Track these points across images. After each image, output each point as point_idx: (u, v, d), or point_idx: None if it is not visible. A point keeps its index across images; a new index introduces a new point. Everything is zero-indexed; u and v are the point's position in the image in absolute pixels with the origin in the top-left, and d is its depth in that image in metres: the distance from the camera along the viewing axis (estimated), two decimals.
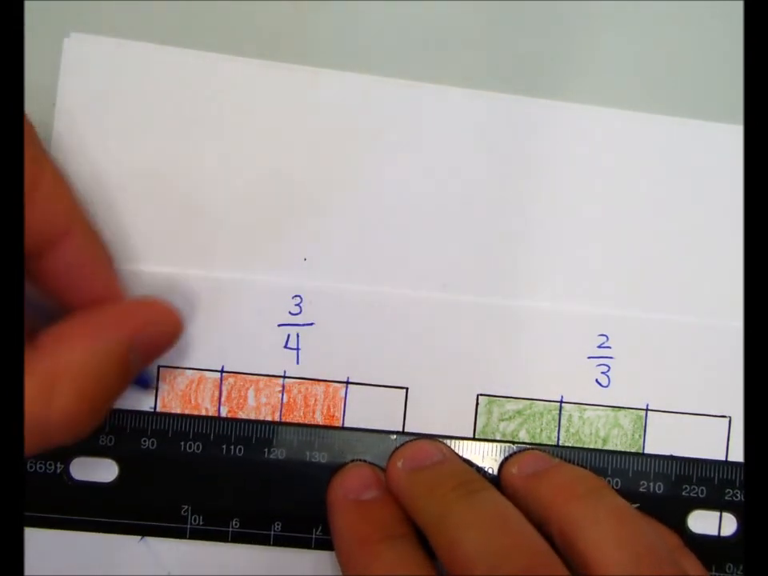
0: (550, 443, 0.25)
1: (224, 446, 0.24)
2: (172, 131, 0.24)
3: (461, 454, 0.25)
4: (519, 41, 0.26)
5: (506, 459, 0.25)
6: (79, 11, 0.24)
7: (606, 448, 0.25)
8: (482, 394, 0.25)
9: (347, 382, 0.25)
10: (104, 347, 0.18)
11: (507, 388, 0.25)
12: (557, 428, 0.25)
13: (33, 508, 0.23)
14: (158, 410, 0.24)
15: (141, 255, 0.24)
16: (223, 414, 0.25)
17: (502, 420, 0.25)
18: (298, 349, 0.25)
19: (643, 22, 0.26)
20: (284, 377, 0.25)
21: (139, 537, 0.24)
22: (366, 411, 0.25)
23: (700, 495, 0.25)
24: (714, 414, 0.25)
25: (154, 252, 0.24)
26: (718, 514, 0.25)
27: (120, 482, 0.24)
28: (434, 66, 0.25)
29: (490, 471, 0.25)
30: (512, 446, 0.25)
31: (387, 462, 0.24)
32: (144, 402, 0.24)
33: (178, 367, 0.24)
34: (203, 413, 0.24)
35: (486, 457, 0.25)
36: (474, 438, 0.25)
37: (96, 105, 0.24)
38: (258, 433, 0.24)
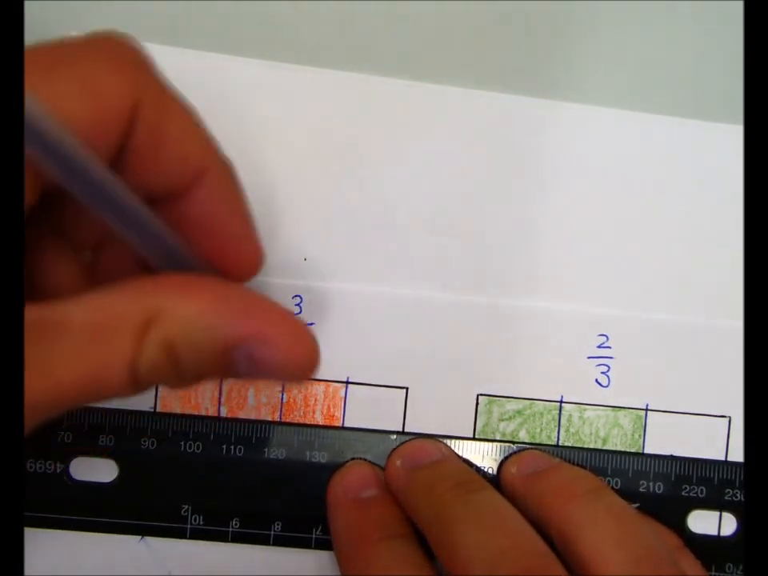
0: (550, 443, 0.25)
1: (224, 446, 0.24)
2: None
3: (460, 454, 0.25)
4: (519, 41, 0.26)
5: (505, 459, 0.25)
6: (79, 11, 0.24)
7: (605, 448, 0.25)
8: (481, 394, 0.25)
9: (347, 382, 0.25)
10: (216, 323, 0.16)
11: (507, 388, 0.25)
12: (557, 428, 0.25)
13: (33, 508, 0.23)
14: (158, 409, 0.24)
15: None
16: (223, 413, 0.25)
17: (502, 420, 0.25)
18: None
19: (643, 22, 0.26)
20: None
21: (139, 537, 0.24)
22: (366, 411, 0.25)
23: (700, 495, 0.25)
24: (713, 413, 0.25)
25: None
26: (717, 513, 0.25)
27: (120, 481, 0.24)
28: (434, 66, 0.25)
29: (490, 471, 0.25)
30: (512, 445, 0.25)
31: (386, 461, 0.24)
32: (144, 402, 0.24)
33: None
34: (203, 413, 0.24)
35: (486, 457, 0.25)
36: (473, 438, 0.25)
37: None
38: (258, 433, 0.24)
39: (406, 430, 0.25)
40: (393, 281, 0.25)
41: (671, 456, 0.25)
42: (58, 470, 0.24)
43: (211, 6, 0.25)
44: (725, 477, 0.25)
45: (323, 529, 0.24)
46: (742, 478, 0.25)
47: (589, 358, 0.25)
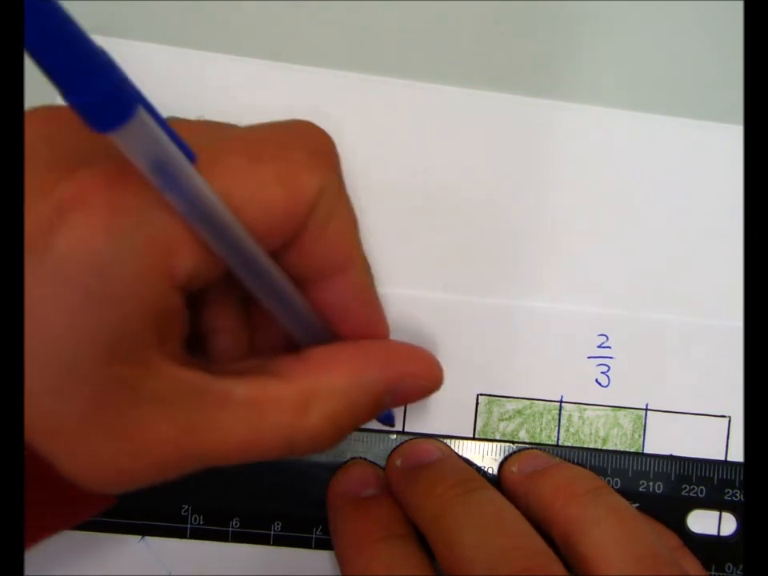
0: (550, 443, 0.25)
1: None
2: None
3: (461, 454, 0.25)
4: (519, 41, 0.26)
5: (505, 459, 0.25)
6: (79, 11, 0.24)
7: (605, 448, 0.25)
8: (481, 394, 0.25)
9: None
10: (365, 383, 0.19)
11: (507, 388, 0.25)
12: (557, 428, 0.25)
13: None
14: None
15: None
16: None
17: (502, 420, 0.25)
18: None
19: (643, 22, 0.26)
20: None
21: (139, 537, 0.24)
22: None
23: (699, 495, 0.25)
24: (713, 413, 0.25)
25: None
26: (717, 513, 0.25)
27: None
28: (434, 66, 0.25)
29: (490, 471, 0.25)
30: (512, 445, 0.25)
31: (386, 460, 0.24)
32: None
33: None
34: None
35: (486, 456, 0.25)
36: (473, 438, 0.25)
37: None
38: None
39: (405, 430, 0.25)
40: (393, 281, 0.25)
41: (671, 456, 0.25)
42: None
43: (211, 5, 0.25)
44: (725, 477, 0.25)
45: (323, 529, 0.24)
46: (741, 478, 0.25)
47: (589, 357, 0.25)
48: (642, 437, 0.25)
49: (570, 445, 0.25)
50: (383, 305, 0.21)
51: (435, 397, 0.25)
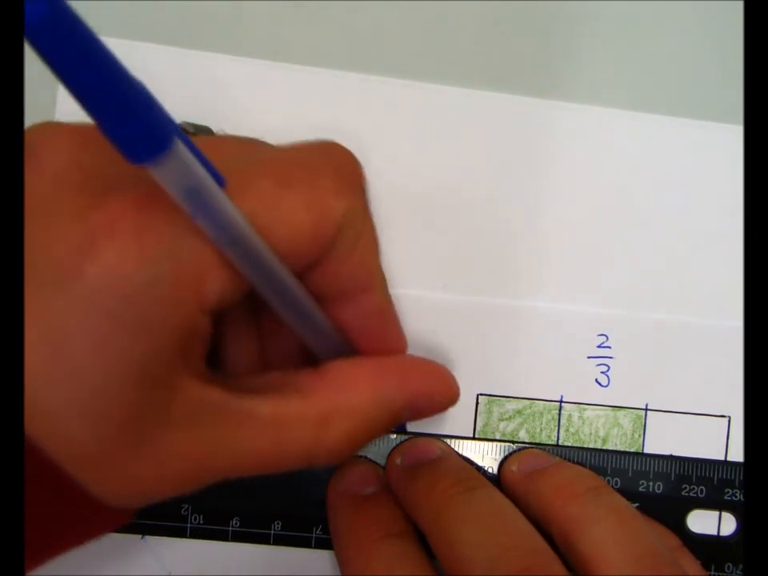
0: (550, 443, 0.25)
1: None
2: None
3: (461, 454, 0.25)
4: (519, 41, 0.26)
5: (505, 458, 0.25)
6: (79, 11, 0.24)
7: (605, 448, 0.25)
8: (481, 394, 0.25)
9: None
10: (384, 401, 0.19)
11: (507, 388, 0.25)
12: (556, 428, 0.25)
13: None
14: None
15: None
16: None
17: (502, 420, 0.25)
18: None
19: (643, 22, 0.26)
20: None
21: (139, 536, 0.24)
22: None
23: (699, 495, 0.25)
24: (713, 413, 0.25)
25: None
26: (717, 513, 0.25)
27: None
28: (434, 66, 0.25)
29: (490, 471, 0.25)
30: (512, 445, 0.25)
31: (386, 459, 0.24)
32: None
33: None
34: None
35: (486, 456, 0.25)
36: (473, 438, 0.25)
37: None
38: None
39: (405, 430, 0.25)
40: (393, 281, 0.25)
41: (671, 456, 0.25)
42: None
43: (211, 5, 0.25)
44: (724, 477, 0.25)
45: (323, 528, 0.24)
46: (741, 477, 0.25)
47: (589, 357, 0.25)
48: (642, 437, 0.25)
49: (569, 445, 0.25)
50: (400, 318, 0.21)
51: None
